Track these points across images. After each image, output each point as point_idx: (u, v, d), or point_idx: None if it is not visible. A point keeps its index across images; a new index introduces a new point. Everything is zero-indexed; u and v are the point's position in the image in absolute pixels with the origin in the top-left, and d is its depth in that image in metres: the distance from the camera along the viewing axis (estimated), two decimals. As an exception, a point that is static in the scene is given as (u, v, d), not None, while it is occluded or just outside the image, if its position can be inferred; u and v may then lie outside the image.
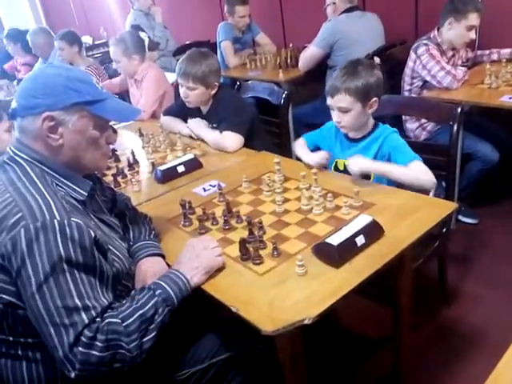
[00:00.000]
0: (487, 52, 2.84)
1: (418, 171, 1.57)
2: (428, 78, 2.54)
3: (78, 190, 1.15)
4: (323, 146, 1.85)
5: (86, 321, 0.97)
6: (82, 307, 0.98)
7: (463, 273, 2.27)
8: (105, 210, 1.29)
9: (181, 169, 1.88)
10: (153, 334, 1.05)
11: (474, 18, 2.48)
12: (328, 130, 1.84)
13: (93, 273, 1.03)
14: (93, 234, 1.04)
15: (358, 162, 1.61)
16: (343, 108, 1.64)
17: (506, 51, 2.75)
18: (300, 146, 1.87)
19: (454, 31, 2.54)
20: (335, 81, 1.64)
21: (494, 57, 2.80)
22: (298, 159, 1.86)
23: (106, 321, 1.00)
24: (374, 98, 1.64)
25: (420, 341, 1.88)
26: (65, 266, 0.98)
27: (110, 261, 1.11)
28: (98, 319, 0.99)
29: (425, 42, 2.58)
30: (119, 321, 1.01)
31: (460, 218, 2.64)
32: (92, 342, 0.97)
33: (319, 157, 1.73)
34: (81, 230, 1.02)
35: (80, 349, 0.96)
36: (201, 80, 2.09)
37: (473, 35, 2.54)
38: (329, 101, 1.68)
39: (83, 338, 0.96)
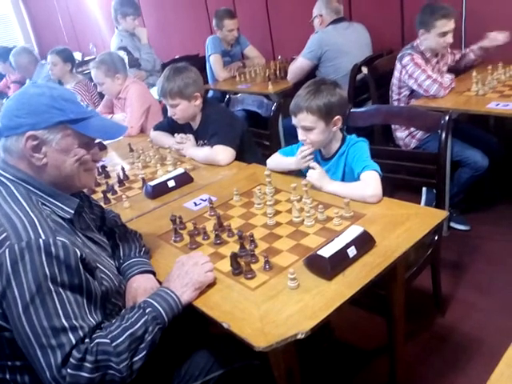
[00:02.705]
0: (467, 50, 2.81)
1: (364, 185, 1.57)
2: (415, 87, 2.57)
3: (65, 208, 1.14)
4: None
5: (74, 341, 0.96)
6: (69, 327, 0.97)
7: (456, 280, 2.26)
8: (93, 227, 1.28)
9: (171, 184, 1.87)
10: (143, 354, 1.03)
11: (442, 25, 2.50)
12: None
13: (79, 292, 1.02)
14: (79, 253, 1.03)
15: (318, 179, 1.66)
16: (307, 126, 1.67)
17: (474, 47, 2.74)
18: (281, 158, 1.87)
19: (429, 40, 2.57)
20: (298, 100, 1.67)
21: (471, 56, 2.79)
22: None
23: (96, 341, 0.99)
24: (337, 116, 1.67)
25: (415, 349, 1.87)
26: (51, 286, 0.97)
27: (98, 279, 1.10)
28: (86, 340, 0.98)
29: (409, 51, 2.61)
30: (108, 341, 1.00)
31: (452, 224, 2.65)
32: (81, 363, 0.95)
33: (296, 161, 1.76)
34: (66, 249, 1.00)
35: (69, 370, 0.94)
36: (179, 94, 2.10)
37: (449, 39, 2.56)
38: (293, 120, 1.71)
39: (72, 360, 0.95)
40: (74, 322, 0.98)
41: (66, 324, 0.96)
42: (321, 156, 1.80)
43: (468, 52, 2.82)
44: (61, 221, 1.11)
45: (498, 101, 2.31)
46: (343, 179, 1.73)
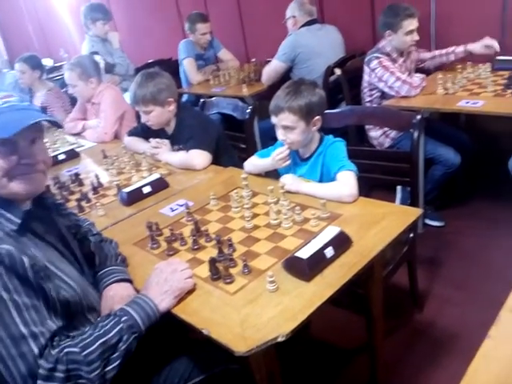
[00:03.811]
0: (444, 52, 2.85)
1: (340, 185, 1.59)
2: (386, 90, 2.60)
3: (10, 217, 1.07)
4: None
5: (36, 350, 0.94)
6: (30, 335, 0.94)
7: (432, 276, 2.30)
8: (65, 235, 1.24)
9: (147, 190, 1.85)
10: (116, 363, 1.01)
11: (408, 24, 2.57)
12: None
13: (36, 296, 0.99)
14: (25, 260, 0.98)
15: (293, 184, 1.66)
16: (288, 126, 1.68)
17: (459, 50, 2.77)
18: (258, 160, 1.87)
19: (395, 41, 2.63)
20: (278, 100, 1.67)
21: (452, 58, 2.82)
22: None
23: (65, 350, 0.97)
24: (317, 116, 1.68)
25: (395, 346, 1.89)
26: (3, 295, 0.94)
27: (55, 286, 1.05)
28: (56, 349, 0.96)
29: (375, 55, 2.64)
30: (78, 350, 0.98)
31: (427, 221, 2.69)
32: (51, 373, 0.93)
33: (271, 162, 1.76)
34: (12, 256, 0.97)
35: (39, 382, 0.92)
36: (152, 101, 2.08)
37: (416, 37, 2.62)
38: (273, 119, 1.72)
39: (41, 371, 0.93)
40: (34, 328, 0.95)
41: (24, 331, 0.94)
42: (298, 157, 1.81)
43: (450, 53, 2.82)
44: (7, 230, 1.05)
45: (468, 99, 2.37)
46: (321, 180, 1.74)
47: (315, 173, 1.75)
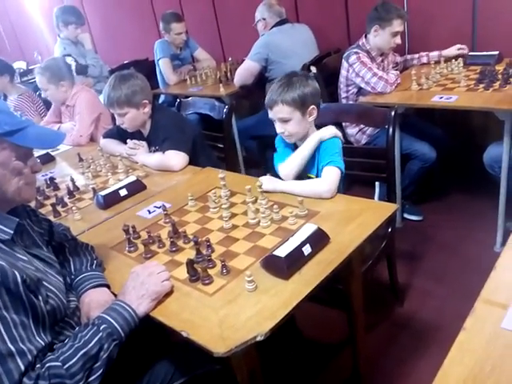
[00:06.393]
0: (417, 56, 2.98)
1: (318, 181, 1.62)
2: (362, 85, 2.62)
3: (3, 228, 1.08)
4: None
5: (22, 367, 0.92)
6: (17, 352, 0.93)
7: (412, 269, 2.34)
8: (40, 243, 1.23)
9: (123, 192, 1.83)
10: (99, 373, 1.00)
11: (397, 25, 2.61)
12: (280, 143, 1.83)
13: (24, 313, 0.98)
14: (18, 275, 0.98)
15: (270, 183, 1.67)
16: (283, 118, 1.69)
17: (434, 54, 2.89)
18: (292, 161, 1.75)
19: (380, 37, 2.65)
20: (272, 94, 1.69)
21: (424, 60, 2.94)
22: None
23: (47, 365, 0.95)
24: (312, 106, 1.69)
25: (377, 340, 1.92)
26: None
27: (43, 297, 1.05)
28: (37, 365, 0.94)
29: (355, 50, 2.67)
30: (60, 364, 0.97)
31: (405, 216, 2.73)
32: None
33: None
34: (3, 271, 0.96)
35: None
36: (126, 103, 2.06)
37: (398, 40, 2.67)
38: (270, 114, 1.73)
39: None
40: (21, 345, 0.94)
41: (12, 348, 0.93)
42: (296, 148, 1.79)
43: (423, 56, 2.94)
44: None
45: (442, 94, 2.39)
46: (317, 174, 1.73)
47: (313, 167, 1.74)
